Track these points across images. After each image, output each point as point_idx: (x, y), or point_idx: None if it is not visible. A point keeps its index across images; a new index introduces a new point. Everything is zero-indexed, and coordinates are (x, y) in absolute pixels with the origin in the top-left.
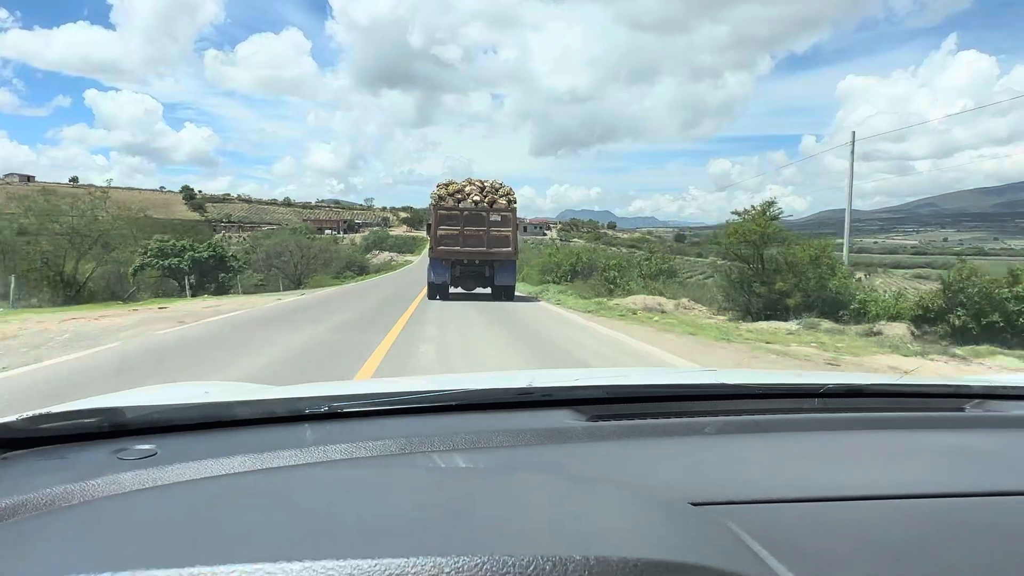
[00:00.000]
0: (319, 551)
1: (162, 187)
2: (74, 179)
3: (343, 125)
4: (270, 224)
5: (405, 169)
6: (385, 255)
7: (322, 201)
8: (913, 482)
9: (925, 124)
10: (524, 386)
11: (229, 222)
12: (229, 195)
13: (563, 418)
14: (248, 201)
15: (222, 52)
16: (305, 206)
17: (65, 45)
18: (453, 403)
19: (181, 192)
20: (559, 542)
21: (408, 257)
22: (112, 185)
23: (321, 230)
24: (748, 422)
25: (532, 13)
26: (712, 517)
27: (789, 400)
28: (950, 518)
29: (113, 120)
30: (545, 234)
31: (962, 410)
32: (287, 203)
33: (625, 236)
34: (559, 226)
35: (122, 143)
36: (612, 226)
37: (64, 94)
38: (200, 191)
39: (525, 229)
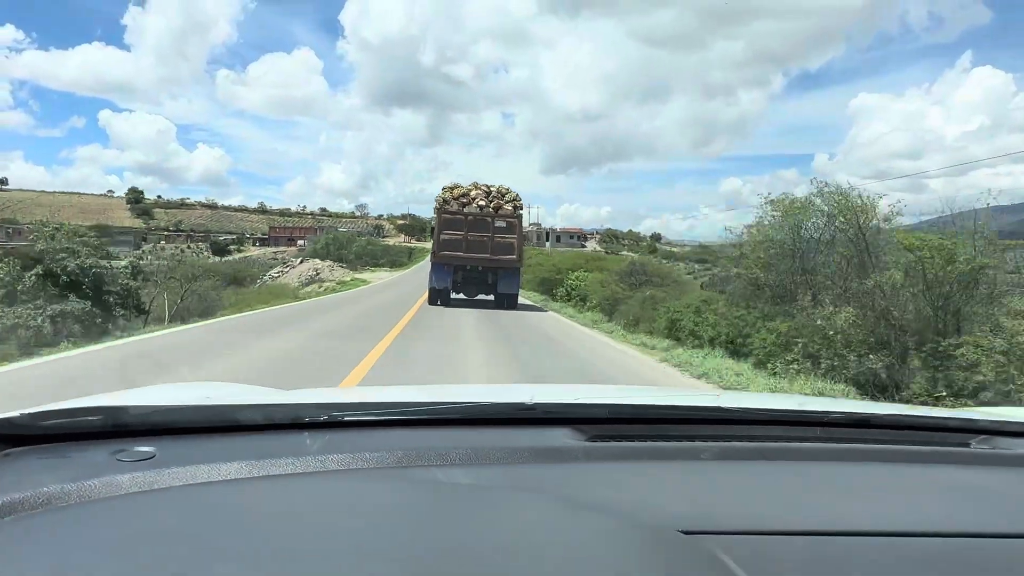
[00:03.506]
0: (309, 566)
1: (110, 191)
2: (2, 181)
3: (354, 145)
4: (229, 233)
5: (416, 189)
6: (309, 266)
7: (304, 208)
8: (917, 519)
9: (940, 142)
10: (525, 401)
11: (176, 231)
12: (187, 200)
13: (563, 437)
14: (212, 207)
15: (234, 72)
16: (283, 213)
17: (80, 66)
18: (453, 416)
19: (127, 195)
20: (544, 571)
21: (372, 275)
22: (52, 191)
23: (292, 240)
24: (747, 449)
25: (544, 30)
26: (702, 547)
27: (792, 428)
28: (952, 558)
29: (127, 140)
30: (584, 245)
31: (967, 445)
32: (261, 209)
33: (676, 250)
34: (598, 236)
35: (135, 163)
36: (657, 237)
37: (78, 115)
38: (159, 196)
39: (559, 239)
